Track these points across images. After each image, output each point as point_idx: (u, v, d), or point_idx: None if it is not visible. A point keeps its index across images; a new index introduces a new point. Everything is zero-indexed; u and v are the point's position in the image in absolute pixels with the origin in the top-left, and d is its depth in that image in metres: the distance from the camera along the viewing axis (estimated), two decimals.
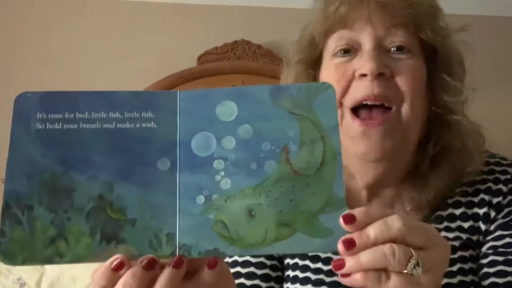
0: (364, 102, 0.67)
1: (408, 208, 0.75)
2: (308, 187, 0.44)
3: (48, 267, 1.44)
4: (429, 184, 0.72)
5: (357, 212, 0.44)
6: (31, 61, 2.04)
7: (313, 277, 0.73)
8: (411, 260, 0.43)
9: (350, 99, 0.68)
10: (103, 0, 2.11)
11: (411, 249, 0.43)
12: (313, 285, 0.72)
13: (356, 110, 0.68)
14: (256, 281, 0.75)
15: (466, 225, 0.72)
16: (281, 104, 0.45)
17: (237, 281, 0.74)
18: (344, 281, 0.44)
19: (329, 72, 0.71)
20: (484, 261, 0.70)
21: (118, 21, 2.10)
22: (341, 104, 0.69)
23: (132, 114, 0.45)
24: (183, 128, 0.45)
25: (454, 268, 0.70)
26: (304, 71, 0.76)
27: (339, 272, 0.44)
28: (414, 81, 0.68)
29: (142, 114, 0.45)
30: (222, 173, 0.44)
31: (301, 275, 0.74)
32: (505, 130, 2.04)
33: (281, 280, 0.77)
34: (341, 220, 0.43)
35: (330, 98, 0.46)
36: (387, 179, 0.74)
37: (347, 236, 0.43)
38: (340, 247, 0.43)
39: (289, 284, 0.75)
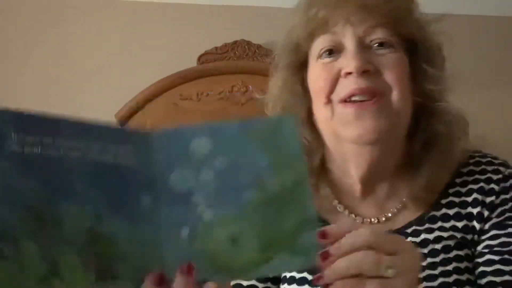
0: (353, 98, 0.70)
1: (400, 206, 0.77)
2: (284, 211, 0.47)
3: None
4: (422, 171, 0.75)
5: (329, 228, 0.49)
6: (31, 61, 2.04)
7: (309, 277, 0.74)
8: (384, 263, 0.47)
9: (338, 96, 0.71)
10: (103, 0, 2.11)
11: (382, 254, 0.47)
12: (310, 286, 0.73)
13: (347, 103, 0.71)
14: (253, 281, 0.76)
15: (460, 224, 0.74)
16: (251, 137, 0.48)
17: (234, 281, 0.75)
18: None
19: (316, 72, 0.74)
20: (480, 260, 0.71)
21: (118, 21, 2.10)
22: (329, 101, 0.72)
23: (112, 147, 0.44)
24: (160, 164, 0.45)
25: (450, 267, 0.71)
26: (291, 75, 0.78)
27: (320, 284, 0.48)
28: (399, 72, 0.71)
29: (121, 148, 0.44)
30: (203, 205, 0.45)
31: (298, 275, 0.75)
32: (505, 130, 2.04)
33: (278, 280, 0.78)
34: (317, 237, 0.47)
35: (292, 128, 0.49)
36: (380, 169, 0.75)
37: (324, 250, 0.47)
38: (318, 260, 0.47)
39: (285, 285, 0.76)
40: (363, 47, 0.71)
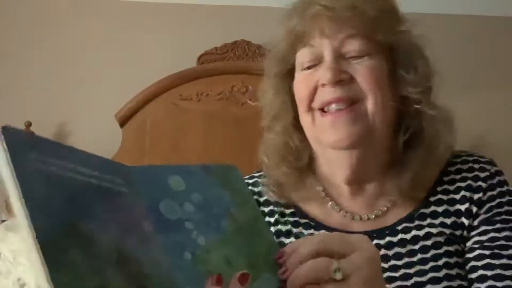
0: (331, 107, 0.75)
1: (389, 204, 0.80)
2: (254, 238, 0.54)
3: None
4: (408, 166, 0.78)
5: (284, 248, 0.54)
6: (31, 61, 2.04)
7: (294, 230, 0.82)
8: (332, 267, 0.49)
9: (316, 103, 0.77)
10: (103, 0, 2.11)
11: (332, 259, 0.50)
12: (295, 237, 0.80)
13: (325, 112, 0.77)
14: None
15: (448, 221, 0.77)
16: (212, 177, 0.54)
17: None
18: None
19: (298, 83, 0.80)
20: (471, 255, 0.74)
21: (118, 21, 2.10)
22: (310, 108, 0.78)
23: (109, 177, 0.46)
24: (146, 196, 0.48)
25: (440, 263, 0.74)
26: (280, 83, 0.84)
27: None
28: (373, 79, 0.75)
29: (116, 178, 0.46)
30: (195, 231, 0.49)
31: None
32: (505, 130, 2.04)
33: None
34: (276, 257, 0.53)
35: (239, 175, 0.58)
36: (365, 171, 0.79)
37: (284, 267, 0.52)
38: (280, 274, 0.52)
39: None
40: (339, 57, 0.76)
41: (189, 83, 1.92)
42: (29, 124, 1.84)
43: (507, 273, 0.71)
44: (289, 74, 0.83)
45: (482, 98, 2.06)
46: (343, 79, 0.74)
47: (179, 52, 2.02)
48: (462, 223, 0.76)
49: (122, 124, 1.90)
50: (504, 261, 0.72)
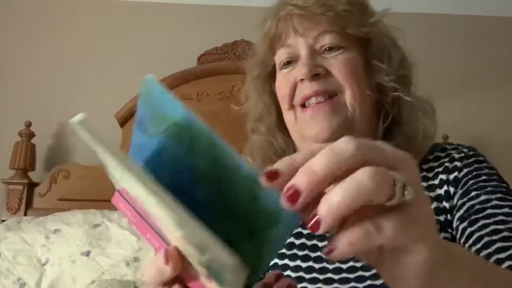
0: (310, 101, 0.77)
1: None
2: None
3: (48, 267, 1.44)
4: None
5: (278, 164, 0.34)
6: (31, 61, 2.04)
7: (300, 253, 0.79)
8: (395, 182, 0.31)
9: (297, 99, 0.79)
10: (103, 0, 2.11)
11: (385, 169, 0.32)
12: (301, 261, 0.78)
13: (305, 107, 0.78)
14: None
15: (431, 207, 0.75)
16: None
17: None
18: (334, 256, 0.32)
19: (279, 83, 0.83)
20: (458, 235, 0.70)
21: (118, 21, 2.10)
22: (292, 106, 0.80)
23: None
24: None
25: None
26: (262, 85, 0.87)
27: (317, 232, 0.32)
28: (348, 71, 0.77)
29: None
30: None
31: (288, 252, 0.79)
32: (505, 130, 2.04)
33: None
34: (263, 181, 0.33)
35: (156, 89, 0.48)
36: None
37: (287, 186, 0.32)
38: (284, 201, 0.32)
39: (277, 260, 0.80)
40: (314, 53, 0.78)
41: (189, 83, 1.92)
42: (29, 124, 1.84)
43: (487, 231, 0.66)
44: (271, 76, 0.86)
45: (481, 98, 2.06)
46: (319, 72, 0.77)
47: (179, 52, 2.02)
48: (444, 207, 0.75)
49: (122, 124, 1.90)
50: (482, 222, 0.67)
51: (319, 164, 0.31)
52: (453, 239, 0.73)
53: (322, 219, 0.31)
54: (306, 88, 0.77)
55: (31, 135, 1.84)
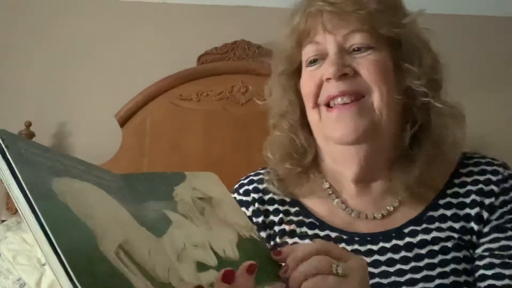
0: (336, 101, 0.75)
1: (397, 204, 0.78)
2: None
3: (48, 267, 1.43)
4: (415, 162, 0.76)
5: (282, 248, 0.57)
6: (30, 61, 2.04)
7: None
8: (334, 264, 0.53)
9: (322, 98, 0.77)
10: (103, 0, 2.11)
11: (331, 258, 0.53)
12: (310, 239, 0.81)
13: (331, 107, 0.76)
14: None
15: (457, 225, 0.75)
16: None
17: None
18: None
19: (304, 80, 0.81)
20: (481, 263, 0.72)
21: (118, 21, 2.10)
22: (316, 105, 0.78)
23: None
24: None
25: (447, 269, 0.72)
26: (287, 81, 0.85)
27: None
28: (377, 73, 0.75)
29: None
30: None
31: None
32: (505, 130, 2.03)
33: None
34: (273, 255, 0.56)
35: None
36: (372, 168, 0.78)
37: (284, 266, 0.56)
38: (282, 273, 0.55)
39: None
40: (343, 52, 0.76)
41: (189, 83, 1.92)
42: (29, 124, 1.84)
43: None
44: (296, 72, 0.83)
45: (482, 98, 2.06)
46: (346, 73, 0.74)
47: (179, 52, 2.02)
48: (472, 228, 0.74)
49: (122, 124, 1.89)
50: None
51: (300, 253, 0.55)
52: (471, 259, 0.73)
53: (291, 280, 0.54)
54: (332, 88, 0.75)
55: (31, 135, 1.83)
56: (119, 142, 1.88)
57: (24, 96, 2.00)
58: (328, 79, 0.75)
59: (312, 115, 0.79)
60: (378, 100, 0.74)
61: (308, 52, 0.79)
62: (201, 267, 0.49)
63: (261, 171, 0.88)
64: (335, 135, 0.75)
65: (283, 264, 0.56)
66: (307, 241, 0.79)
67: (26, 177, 0.40)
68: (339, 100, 0.75)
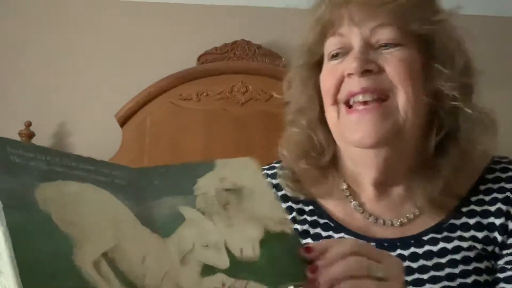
0: (356, 98, 0.70)
1: (417, 212, 0.74)
2: None
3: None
4: (439, 172, 0.71)
5: (313, 243, 0.54)
6: (31, 61, 2.04)
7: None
8: (372, 267, 0.50)
9: (342, 95, 0.71)
10: (103, 0, 2.11)
11: (369, 260, 0.51)
12: None
13: (351, 106, 0.71)
14: None
15: (480, 235, 0.71)
16: None
17: None
18: None
19: (324, 74, 0.75)
20: (502, 275, 0.68)
21: (118, 21, 2.10)
22: (336, 101, 0.72)
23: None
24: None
25: (469, 280, 0.68)
26: (308, 75, 0.79)
27: None
28: (404, 71, 0.69)
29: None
30: None
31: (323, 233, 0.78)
32: (505, 130, 2.03)
33: None
34: (302, 252, 0.52)
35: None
36: (393, 172, 0.73)
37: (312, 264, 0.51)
38: (309, 271, 0.50)
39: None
40: (369, 47, 0.70)
41: (189, 83, 1.92)
42: (29, 124, 1.84)
43: None
44: (317, 66, 0.77)
45: (482, 98, 2.06)
46: (370, 69, 0.69)
47: (179, 52, 2.02)
48: (495, 238, 0.70)
49: (122, 124, 1.90)
50: None
51: (334, 253, 0.51)
52: (492, 270, 0.70)
53: (322, 283, 0.50)
54: (354, 84, 0.69)
55: (31, 135, 1.83)
56: (119, 142, 1.88)
57: (24, 96, 2.00)
58: (350, 74, 0.69)
59: (330, 113, 0.74)
60: (403, 100, 0.69)
61: (331, 44, 0.73)
62: (207, 270, 0.46)
63: (276, 165, 0.84)
64: (353, 137, 0.70)
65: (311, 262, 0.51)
66: (336, 236, 0.75)
67: (2, 185, 0.39)
68: (360, 97, 0.69)
